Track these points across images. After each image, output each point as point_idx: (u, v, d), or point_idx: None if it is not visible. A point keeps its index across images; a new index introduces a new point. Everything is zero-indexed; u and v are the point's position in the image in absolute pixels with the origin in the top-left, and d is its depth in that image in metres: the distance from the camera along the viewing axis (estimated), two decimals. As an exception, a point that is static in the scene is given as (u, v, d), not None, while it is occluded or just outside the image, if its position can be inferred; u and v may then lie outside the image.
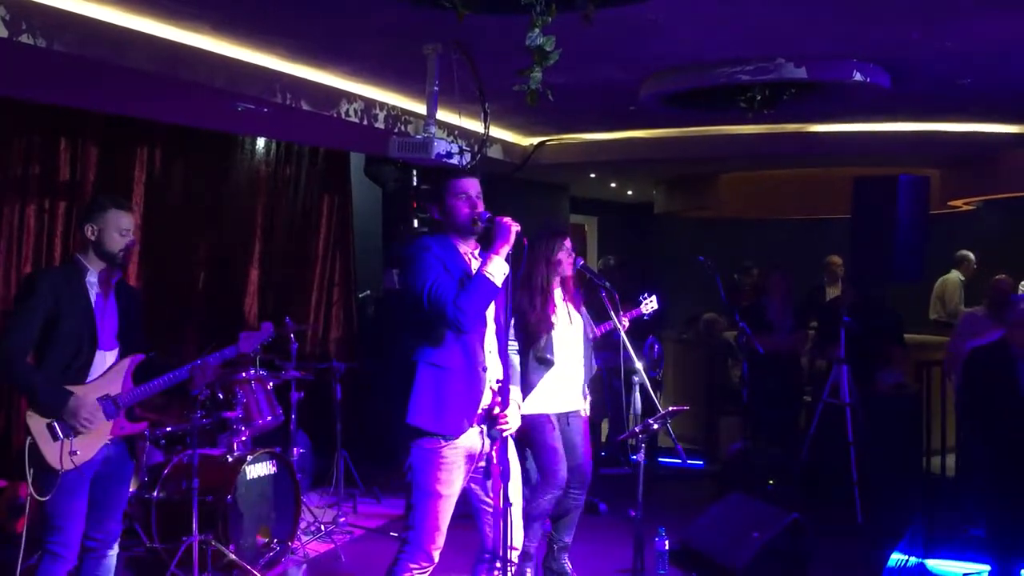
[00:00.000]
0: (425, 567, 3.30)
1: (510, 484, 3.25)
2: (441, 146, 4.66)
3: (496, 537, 3.25)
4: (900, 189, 5.95)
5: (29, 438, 3.35)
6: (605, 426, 7.44)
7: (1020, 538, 4.64)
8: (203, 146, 6.35)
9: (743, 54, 5.04)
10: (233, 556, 4.55)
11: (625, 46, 4.81)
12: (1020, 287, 6.95)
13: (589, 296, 4.85)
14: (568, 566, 4.62)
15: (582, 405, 4.62)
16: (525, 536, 3.94)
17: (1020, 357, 4.65)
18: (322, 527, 5.53)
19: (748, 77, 5.12)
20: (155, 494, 4.69)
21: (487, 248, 3.29)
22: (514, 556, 3.33)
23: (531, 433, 4.35)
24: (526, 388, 4.20)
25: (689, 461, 6.99)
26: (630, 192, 11.91)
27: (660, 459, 7.32)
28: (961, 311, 8.29)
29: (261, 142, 6.84)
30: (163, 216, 6.07)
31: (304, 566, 5.10)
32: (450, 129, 5.98)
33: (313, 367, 6.02)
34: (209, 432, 5.08)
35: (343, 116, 5.63)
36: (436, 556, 3.31)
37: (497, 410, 3.28)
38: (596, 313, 4.94)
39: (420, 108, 5.79)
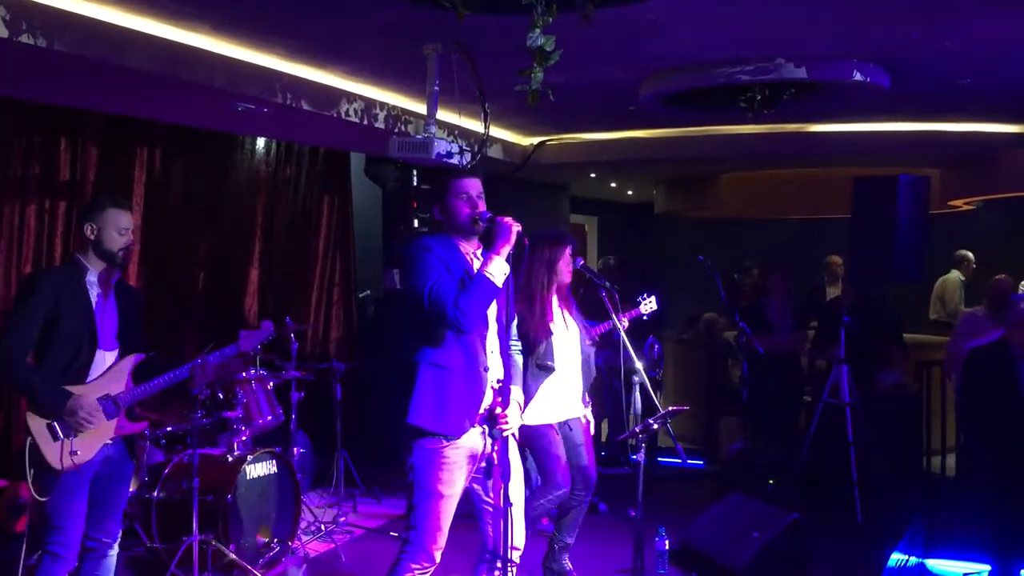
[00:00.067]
0: (427, 567, 3.30)
1: (511, 484, 3.25)
2: (441, 146, 4.66)
3: (497, 537, 3.25)
4: (900, 189, 5.95)
5: (29, 438, 3.35)
6: (605, 426, 7.44)
7: (1020, 538, 4.64)
8: (203, 146, 6.35)
9: (743, 54, 5.04)
10: (233, 556, 4.55)
11: (625, 46, 4.81)
12: (1020, 287, 6.95)
13: (589, 296, 4.85)
14: (568, 566, 4.62)
15: (582, 411, 4.62)
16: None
17: (1020, 357, 4.65)
18: (322, 527, 5.53)
19: (748, 77, 5.12)
20: (155, 494, 4.69)
21: (488, 248, 3.29)
22: (515, 556, 3.34)
23: (533, 442, 4.37)
24: (526, 396, 4.20)
25: (689, 461, 6.99)
26: (630, 192, 11.92)
27: (660, 459, 7.32)
28: (961, 311, 8.29)
29: (261, 142, 6.84)
30: (163, 216, 6.07)
31: (304, 566, 5.09)
32: (450, 129, 5.98)
33: (313, 367, 6.02)
34: (209, 432, 5.08)
35: (343, 116, 5.63)
36: (438, 556, 3.31)
37: (499, 410, 3.29)
38: (596, 313, 4.93)
39: (420, 108, 5.79)
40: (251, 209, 6.80)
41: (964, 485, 5.88)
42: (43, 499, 3.37)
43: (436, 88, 4.72)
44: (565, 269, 4.53)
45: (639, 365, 4.70)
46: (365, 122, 5.83)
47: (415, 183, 7.29)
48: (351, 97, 5.69)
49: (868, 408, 6.36)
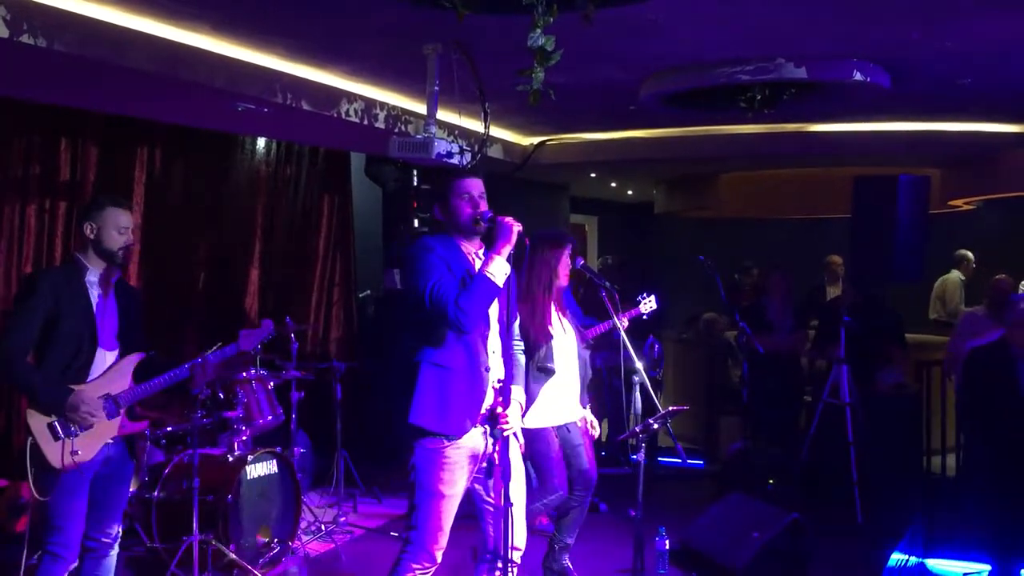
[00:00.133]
0: (428, 567, 3.30)
1: (512, 484, 3.25)
2: (441, 146, 4.66)
3: (498, 537, 3.25)
4: (900, 189, 5.95)
5: (30, 438, 3.35)
6: (605, 426, 7.44)
7: (1020, 538, 4.64)
8: (203, 146, 6.35)
9: (743, 54, 5.05)
10: (233, 556, 4.55)
11: (625, 46, 4.81)
12: (1020, 287, 6.95)
13: (589, 296, 4.85)
14: (568, 566, 4.62)
15: (581, 414, 4.61)
16: None
17: (1020, 357, 4.65)
18: (322, 527, 5.53)
19: (748, 77, 5.12)
20: (155, 494, 4.69)
21: (489, 248, 3.29)
22: (516, 556, 3.34)
23: (532, 446, 4.36)
24: (528, 399, 4.19)
25: (689, 461, 6.99)
26: (630, 192, 11.92)
27: (660, 459, 7.32)
28: (961, 311, 8.29)
29: (261, 142, 6.84)
30: (163, 216, 6.07)
31: (304, 566, 5.09)
32: (450, 129, 5.98)
33: (313, 367, 6.02)
34: (210, 432, 5.09)
35: (343, 116, 5.63)
36: (439, 556, 3.31)
37: (500, 410, 3.28)
38: (596, 313, 4.93)
39: (420, 108, 5.79)
40: (251, 209, 6.80)
41: (964, 485, 5.87)
42: (44, 499, 3.37)
43: (436, 88, 4.72)
44: (563, 273, 4.53)
45: (639, 365, 4.70)
46: (365, 122, 5.83)
47: (415, 183, 7.29)
48: (351, 97, 5.69)
49: (868, 408, 6.36)
